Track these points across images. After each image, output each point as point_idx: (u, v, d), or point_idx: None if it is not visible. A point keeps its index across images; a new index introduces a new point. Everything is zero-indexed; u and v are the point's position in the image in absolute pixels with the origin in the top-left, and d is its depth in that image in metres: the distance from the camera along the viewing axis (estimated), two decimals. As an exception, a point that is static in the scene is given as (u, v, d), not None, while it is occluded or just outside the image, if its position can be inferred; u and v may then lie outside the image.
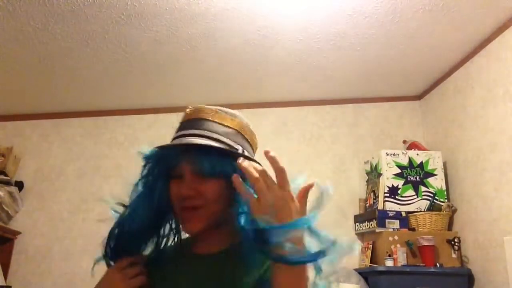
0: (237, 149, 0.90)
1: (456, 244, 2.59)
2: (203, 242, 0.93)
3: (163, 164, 0.91)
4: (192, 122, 0.93)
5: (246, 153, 0.91)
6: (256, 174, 0.72)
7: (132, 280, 0.92)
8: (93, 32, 2.36)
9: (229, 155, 0.87)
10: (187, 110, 0.98)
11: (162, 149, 0.91)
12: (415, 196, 2.74)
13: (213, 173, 0.86)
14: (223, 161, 0.87)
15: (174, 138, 0.93)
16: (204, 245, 0.93)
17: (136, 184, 0.96)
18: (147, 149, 0.94)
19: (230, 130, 0.92)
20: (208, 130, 0.90)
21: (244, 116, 0.99)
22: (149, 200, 0.92)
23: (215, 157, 0.87)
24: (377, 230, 2.64)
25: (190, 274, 0.91)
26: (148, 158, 0.94)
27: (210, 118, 0.93)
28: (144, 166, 0.95)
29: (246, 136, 0.95)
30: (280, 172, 0.72)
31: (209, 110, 0.95)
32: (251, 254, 0.79)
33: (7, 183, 2.99)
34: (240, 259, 0.84)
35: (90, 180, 3.18)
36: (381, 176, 2.77)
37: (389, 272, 2.46)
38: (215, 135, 0.90)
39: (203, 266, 0.91)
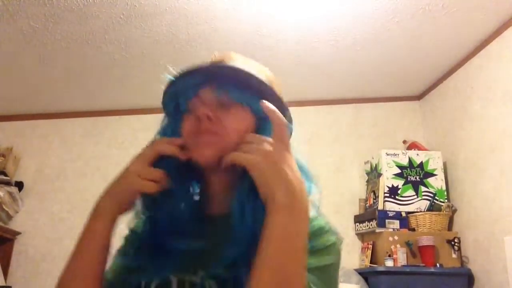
0: (275, 93, 0.81)
1: (456, 244, 2.59)
2: (214, 203, 0.83)
3: (181, 94, 0.82)
4: (219, 63, 0.83)
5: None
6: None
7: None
8: (93, 32, 2.36)
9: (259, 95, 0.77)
10: (213, 56, 0.88)
11: (183, 75, 0.83)
12: (415, 196, 2.74)
13: (240, 98, 0.77)
14: (252, 94, 0.78)
15: (186, 73, 0.85)
16: (215, 205, 0.83)
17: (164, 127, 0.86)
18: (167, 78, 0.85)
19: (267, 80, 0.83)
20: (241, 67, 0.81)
21: None
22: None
23: (245, 86, 0.78)
24: (377, 230, 2.64)
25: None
26: (168, 92, 0.86)
27: (245, 68, 0.81)
28: (166, 102, 0.87)
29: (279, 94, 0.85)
30: (282, 127, 0.70)
31: (243, 59, 0.86)
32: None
33: (7, 183, 2.98)
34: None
35: (90, 180, 3.17)
36: (381, 176, 2.77)
37: (389, 272, 2.46)
38: (252, 71, 0.79)
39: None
